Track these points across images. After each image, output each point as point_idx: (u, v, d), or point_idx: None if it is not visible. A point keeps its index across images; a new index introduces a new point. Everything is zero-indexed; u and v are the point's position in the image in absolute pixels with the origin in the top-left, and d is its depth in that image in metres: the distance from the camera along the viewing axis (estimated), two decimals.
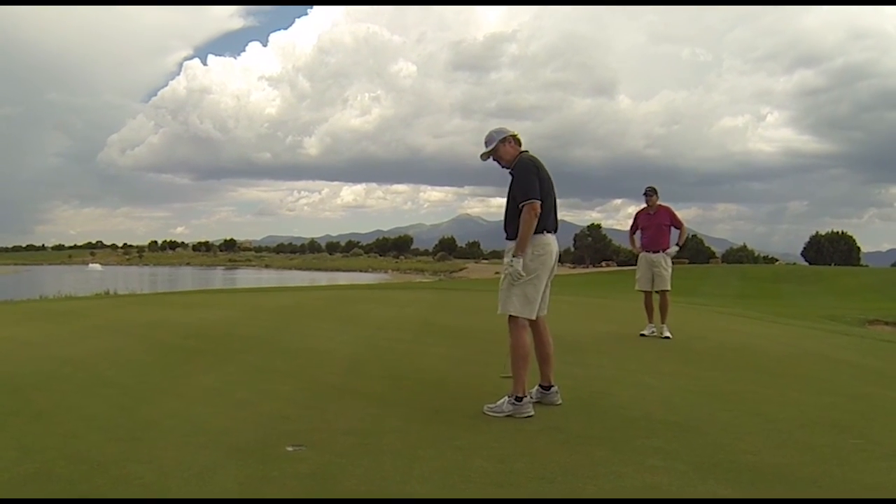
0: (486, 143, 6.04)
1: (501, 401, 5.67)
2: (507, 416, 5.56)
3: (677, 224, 11.46)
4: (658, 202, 11.50)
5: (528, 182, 5.78)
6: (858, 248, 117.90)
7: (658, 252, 11.34)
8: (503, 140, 6.01)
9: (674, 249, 11.42)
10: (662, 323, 11.02)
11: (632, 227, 11.85)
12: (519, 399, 5.63)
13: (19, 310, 14.44)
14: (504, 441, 4.93)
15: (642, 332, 11.10)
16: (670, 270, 11.35)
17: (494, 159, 6.08)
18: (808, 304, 27.78)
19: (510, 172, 5.99)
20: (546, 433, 5.16)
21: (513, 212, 5.86)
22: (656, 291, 11.29)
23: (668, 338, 10.58)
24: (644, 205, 11.57)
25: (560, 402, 6.12)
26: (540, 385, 6.16)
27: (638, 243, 11.75)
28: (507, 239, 6.00)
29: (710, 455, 4.71)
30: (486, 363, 8.11)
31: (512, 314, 5.83)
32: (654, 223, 11.45)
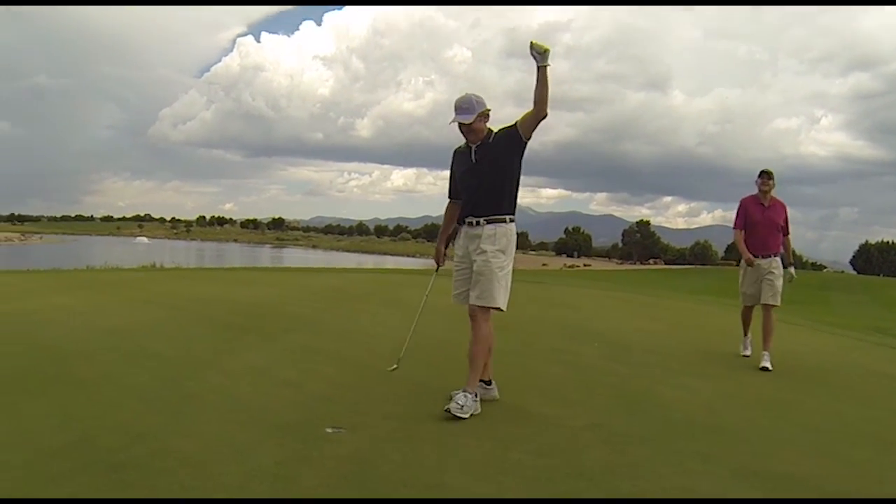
0: (465, 109, 5.33)
1: (463, 400, 5.17)
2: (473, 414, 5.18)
3: (785, 230, 9.06)
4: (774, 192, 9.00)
5: None
6: None
7: (769, 257, 8.87)
8: (484, 114, 5.40)
9: (789, 273, 9.12)
10: (765, 349, 8.53)
11: (738, 220, 9.10)
12: (476, 395, 5.34)
13: (66, 279, 14.63)
14: (543, 435, 4.92)
15: (744, 353, 9.05)
16: (782, 280, 8.93)
17: (463, 132, 5.45)
18: (854, 314, 27.38)
19: (476, 147, 5.44)
20: (587, 430, 5.13)
21: (490, 189, 5.42)
22: (761, 304, 8.91)
23: (766, 369, 8.17)
24: (754, 192, 9.02)
25: (498, 396, 5.80)
26: (481, 380, 5.60)
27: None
28: (470, 219, 5.51)
29: (749, 462, 4.66)
30: (528, 354, 8.14)
31: (493, 308, 5.42)
32: (769, 220, 8.90)
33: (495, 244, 5.41)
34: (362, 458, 4.18)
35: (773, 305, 8.78)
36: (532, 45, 5.13)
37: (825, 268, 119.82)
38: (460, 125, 5.37)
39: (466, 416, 5.10)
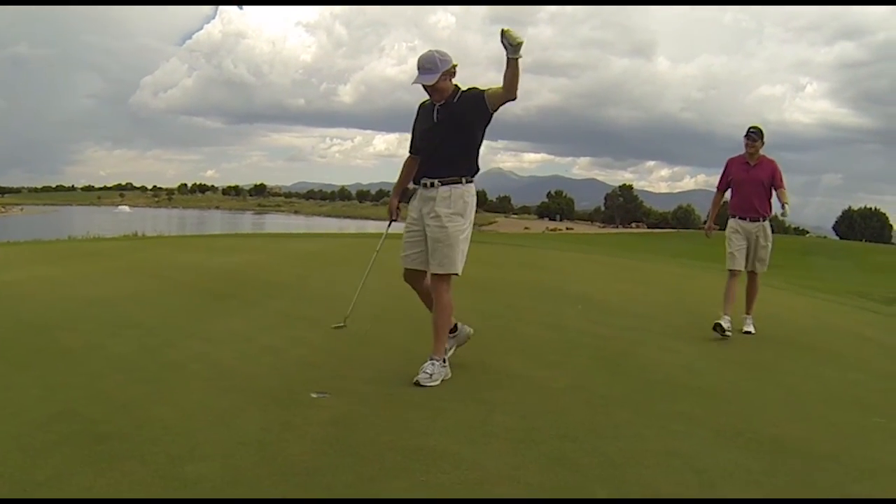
0: (428, 69, 5.11)
1: (431, 368, 5.11)
2: (443, 379, 5.14)
3: (778, 184, 8.36)
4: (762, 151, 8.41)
5: None
6: (891, 226, 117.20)
7: (757, 220, 8.38)
8: (449, 72, 5.17)
9: (788, 210, 8.43)
10: (747, 313, 8.43)
11: (721, 180, 8.69)
12: (445, 360, 5.28)
13: (47, 249, 14.55)
14: (527, 398, 4.94)
15: (720, 325, 7.79)
16: (771, 245, 8.54)
17: (427, 92, 5.25)
18: (836, 279, 27.60)
19: (440, 105, 5.26)
20: (569, 392, 5.16)
21: (449, 151, 5.26)
22: (747, 271, 8.52)
23: (749, 333, 8.16)
24: (742, 152, 8.44)
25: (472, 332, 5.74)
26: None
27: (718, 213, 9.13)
28: (426, 180, 5.35)
29: (732, 424, 4.69)
30: (513, 317, 8.17)
31: (453, 273, 5.26)
32: (754, 179, 8.36)
33: (450, 207, 5.22)
34: (347, 421, 4.18)
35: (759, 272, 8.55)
36: (504, 34, 4.81)
37: (808, 233, 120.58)
38: (424, 85, 5.19)
39: (437, 383, 5.07)
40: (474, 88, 5.27)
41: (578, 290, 11.20)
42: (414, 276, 5.48)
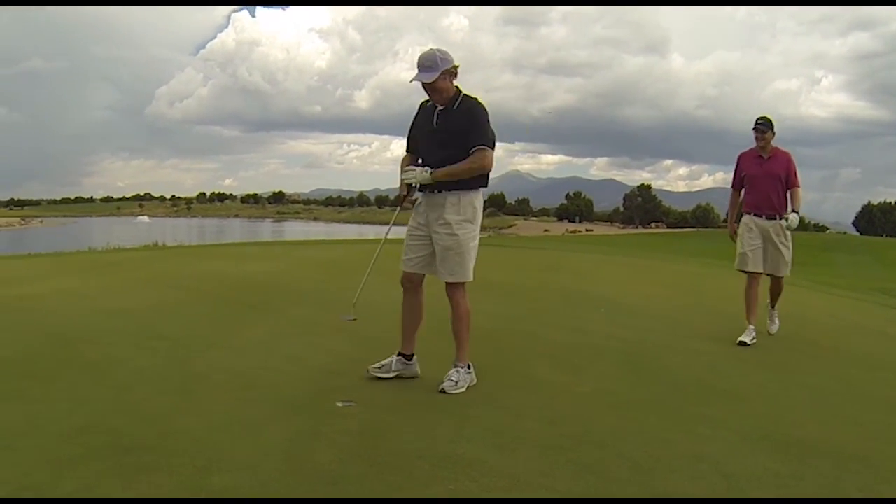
0: (428, 67, 4.98)
1: (456, 376, 5.12)
2: (470, 386, 5.15)
3: (793, 181, 7.70)
4: (773, 143, 7.77)
5: (491, 130, 5.12)
6: None
7: (774, 218, 7.68)
8: (450, 72, 5.04)
9: (794, 218, 7.55)
10: (772, 308, 8.04)
11: (734, 178, 8.10)
12: (469, 366, 5.25)
13: (68, 262, 14.58)
14: (553, 403, 4.94)
15: (741, 340, 7.37)
16: (791, 246, 7.87)
17: (426, 91, 5.11)
18: (858, 275, 27.41)
19: (440, 110, 5.14)
20: (595, 396, 5.15)
21: (450, 161, 5.03)
22: (769, 275, 7.91)
23: (771, 333, 7.82)
24: (753, 146, 7.85)
25: (419, 374, 5.44)
26: (403, 354, 5.40)
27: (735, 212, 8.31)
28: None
29: (759, 426, 4.68)
30: (537, 321, 8.14)
31: (463, 281, 5.21)
32: (769, 172, 7.69)
33: (460, 214, 5.12)
34: (374, 431, 4.18)
35: (782, 276, 7.91)
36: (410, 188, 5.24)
37: (827, 229, 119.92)
38: (423, 84, 5.08)
39: (463, 389, 5.06)
40: (477, 102, 5.15)
41: (601, 293, 11.16)
42: (413, 281, 5.37)
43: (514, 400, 4.94)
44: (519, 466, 3.73)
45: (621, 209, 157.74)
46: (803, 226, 8.24)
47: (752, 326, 7.56)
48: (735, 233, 8.06)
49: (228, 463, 3.60)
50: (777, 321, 7.99)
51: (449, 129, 5.09)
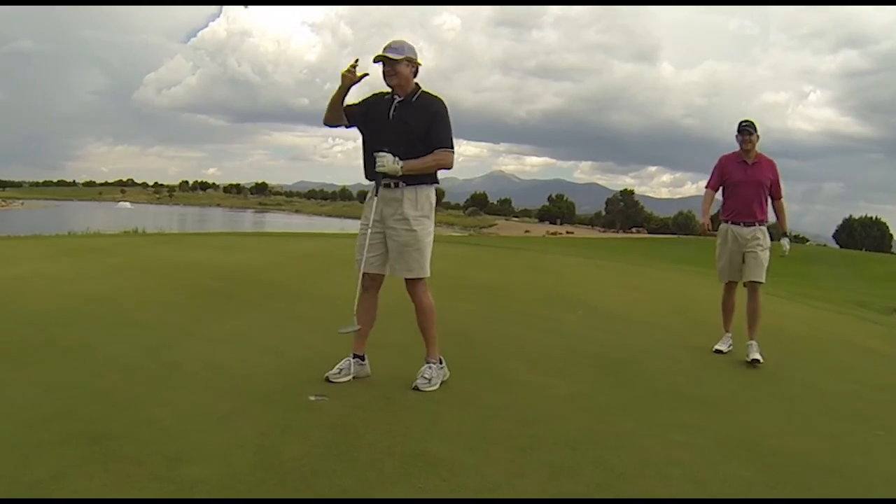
0: (395, 49, 4.99)
1: (429, 373, 5.10)
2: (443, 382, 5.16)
3: (776, 192, 7.52)
4: (757, 148, 7.45)
5: (450, 130, 5.13)
6: (891, 235, 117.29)
7: (753, 225, 7.39)
8: (413, 61, 5.06)
9: (786, 244, 7.75)
10: (751, 339, 7.25)
11: (712, 178, 7.68)
12: (441, 360, 5.24)
13: (47, 245, 14.48)
14: (528, 404, 4.93)
15: (717, 348, 7.46)
16: (769, 253, 7.51)
17: (385, 73, 5.03)
18: (836, 288, 27.58)
19: (398, 102, 5.09)
20: (571, 399, 5.15)
21: (406, 155, 4.95)
22: (744, 283, 7.53)
23: (756, 361, 6.98)
24: (736, 149, 7.51)
25: (371, 374, 5.33)
26: (357, 355, 5.29)
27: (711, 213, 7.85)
28: (387, 180, 5.08)
29: (733, 434, 4.71)
30: (514, 322, 8.13)
31: (422, 277, 5.16)
32: (753, 179, 7.39)
33: (417, 209, 5.09)
34: (346, 426, 4.16)
35: (759, 283, 7.41)
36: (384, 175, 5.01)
37: (808, 241, 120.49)
38: (384, 66, 5.00)
39: (436, 387, 5.06)
40: (438, 99, 5.14)
41: (579, 296, 11.19)
42: (376, 280, 5.30)
43: (489, 400, 4.93)
44: (490, 467, 3.71)
45: (603, 213, 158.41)
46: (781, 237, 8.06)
47: (728, 335, 7.62)
48: (709, 228, 7.81)
49: (200, 454, 3.57)
50: (757, 352, 7.09)
51: (407, 122, 5.04)
